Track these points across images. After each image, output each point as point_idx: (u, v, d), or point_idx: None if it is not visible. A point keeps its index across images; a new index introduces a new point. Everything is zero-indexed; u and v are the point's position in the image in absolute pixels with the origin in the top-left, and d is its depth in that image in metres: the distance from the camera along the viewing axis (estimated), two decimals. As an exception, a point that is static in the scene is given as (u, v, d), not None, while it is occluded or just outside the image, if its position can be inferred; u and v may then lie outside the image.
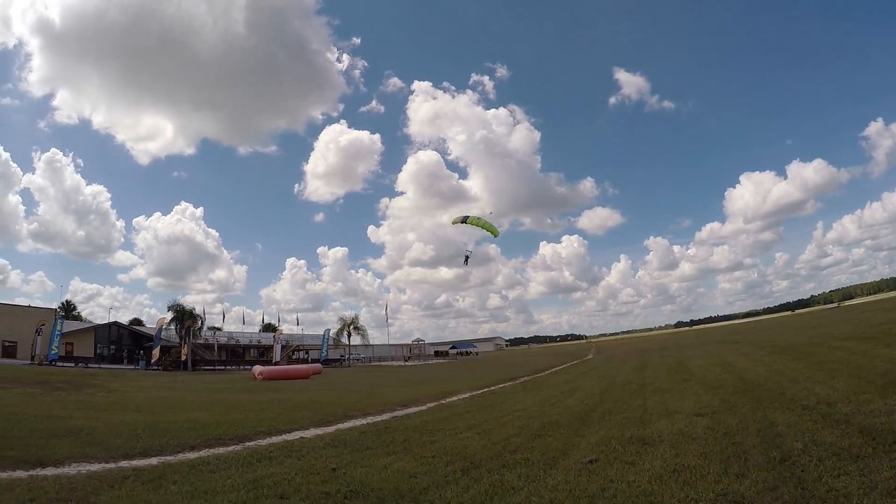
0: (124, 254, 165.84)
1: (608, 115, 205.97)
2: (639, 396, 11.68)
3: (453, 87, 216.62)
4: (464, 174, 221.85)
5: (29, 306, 53.94)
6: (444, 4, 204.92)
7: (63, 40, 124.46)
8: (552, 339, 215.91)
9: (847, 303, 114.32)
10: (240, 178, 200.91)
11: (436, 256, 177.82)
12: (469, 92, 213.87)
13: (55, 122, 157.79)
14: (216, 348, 60.13)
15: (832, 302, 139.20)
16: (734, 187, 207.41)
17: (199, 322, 53.72)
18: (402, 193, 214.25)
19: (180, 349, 48.72)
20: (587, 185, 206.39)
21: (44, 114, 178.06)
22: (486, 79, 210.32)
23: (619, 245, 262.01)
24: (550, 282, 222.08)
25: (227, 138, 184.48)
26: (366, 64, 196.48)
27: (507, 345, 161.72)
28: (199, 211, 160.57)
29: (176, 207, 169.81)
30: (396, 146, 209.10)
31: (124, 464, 6.60)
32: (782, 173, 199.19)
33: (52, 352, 41.11)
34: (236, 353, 64.45)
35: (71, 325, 52.18)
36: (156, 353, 46.70)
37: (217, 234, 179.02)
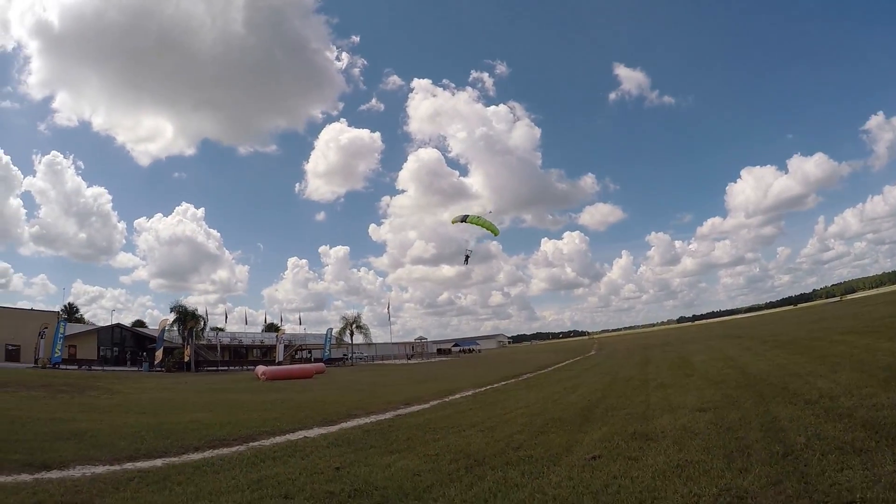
0: (126, 255, 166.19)
1: (608, 110, 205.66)
2: (641, 392, 11.69)
3: (453, 85, 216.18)
4: (464, 171, 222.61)
5: (31, 309, 54.09)
6: (444, 1, 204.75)
7: (62, 42, 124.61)
8: (554, 335, 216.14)
9: (849, 297, 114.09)
10: (240, 178, 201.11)
11: (437, 254, 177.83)
12: (469, 89, 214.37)
13: (55, 124, 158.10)
14: (219, 349, 60.18)
15: (834, 296, 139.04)
16: (735, 182, 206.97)
17: (202, 323, 53.74)
18: (402, 191, 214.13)
19: (183, 350, 48.79)
20: (588, 181, 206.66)
21: (44, 116, 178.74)
22: (485, 76, 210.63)
23: (621, 241, 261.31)
24: (552, 278, 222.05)
25: (228, 138, 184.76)
26: (365, 62, 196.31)
27: (509, 342, 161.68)
28: (201, 211, 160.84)
29: (177, 208, 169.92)
30: (397, 144, 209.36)
31: (129, 466, 6.62)
32: (783, 167, 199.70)
33: (56, 355, 41.18)
34: (239, 354, 64.53)
35: (74, 328, 52.27)
36: (159, 354, 46.76)
37: (218, 234, 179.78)
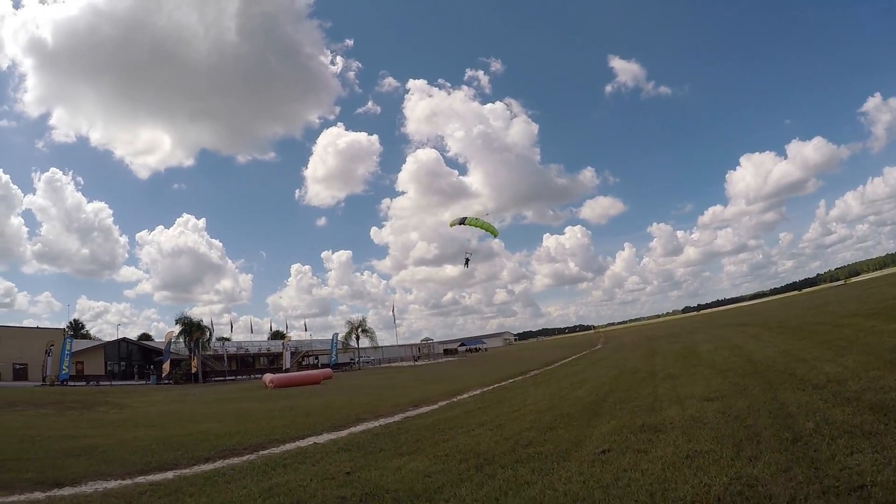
0: (129, 269, 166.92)
1: (605, 103, 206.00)
2: (649, 384, 11.67)
3: (448, 84, 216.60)
4: (463, 170, 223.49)
5: (37, 327, 54.34)
6: (436, 1, 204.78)
7: (56, 59, 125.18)
8: (560, 331, 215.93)
9: (853, 279, 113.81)
10: (240, 186, 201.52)
11: (440, 254, 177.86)
12: (464, 87, 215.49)
13: (53, 141, 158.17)
14: (226, 359, 60.35)
15: (838, 279, 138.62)
16: (734, 169, 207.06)
17: (208, 333, 54.00)
18: (402, 193, 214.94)
19: (190, 362, 48.93)
20: (587, 174, 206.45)
21: (41, 133, 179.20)
22: (480, 73, 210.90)
23: (623, 233, 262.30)
24: (556, 274, 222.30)
25: (226, 147, 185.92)
26: (360, 65, 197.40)
27: (515, 339, 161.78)
28: (202, 222, 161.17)
29: (178, 220, 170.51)
30: (395, 146, 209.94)
31: (140, 479, 6.64)
32: (782, 153, 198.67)
33: (63, 372, 41.33)
34: (246, 363, 64.68)
35: (80, 344, 52.42)
36: (166, 366, 46.89)
37: (220, 244, 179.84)
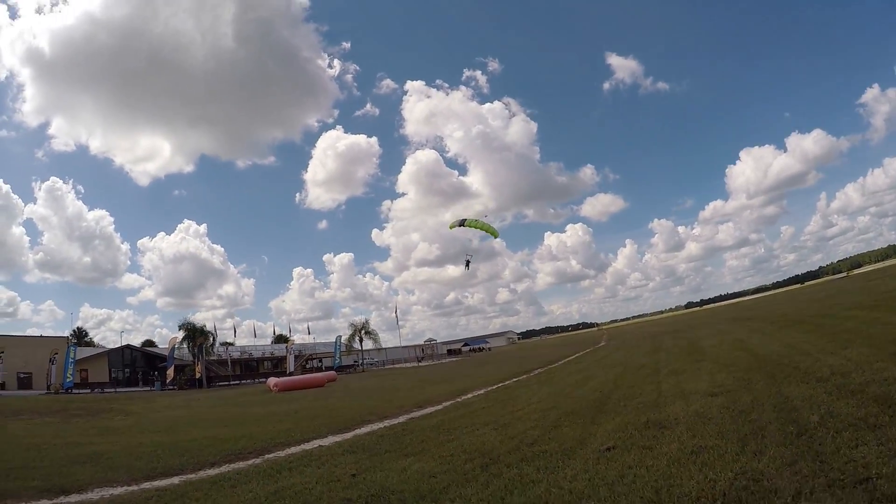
0: (131, 276, 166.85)
1: (603, 100, 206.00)
2: (653, 380, 11.67)
3: (446, 85, 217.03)
4: (463, 170, 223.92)
5: (41, 336, 54.38)
6: (432, 2, 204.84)
7: (54, 68, 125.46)
8: (563, 328, 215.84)
9: (856, 271, 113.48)
10: (240, 191, 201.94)
11: (441, 255, 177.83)
12: (462, 88, 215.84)
13: (52, 150, 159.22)
14: (230, 363, 60.42)
15: (841, 272, 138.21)
16: (734, 164, 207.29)
17: (211, 338, 53.94)
18: (403, 194, 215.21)
19: (194, 367, 48.94)
20: (587, 172, 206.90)
21: (41, 143, 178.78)
22: (478, 73, 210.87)
23: (624, 230, 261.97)
24: (558, 272, 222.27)
25: (225, 153, 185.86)
26: (357, 68, 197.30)
27: (519, 338, 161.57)
28: (203, 227, 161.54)
29: (179, 226, 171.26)
30: (394, 148, 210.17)
31: (146, 485, 6.66)
32: (782, 146, 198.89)
33: (68, 379, 41.37)
34: (250, 367, 64.69)
35: (84, 352, 52.48)
36: (170, 372, 46.94)
37: (222, 249, 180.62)
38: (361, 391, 24.98)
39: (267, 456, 8.27)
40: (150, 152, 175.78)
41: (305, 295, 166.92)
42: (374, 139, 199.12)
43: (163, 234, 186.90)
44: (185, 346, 51.09)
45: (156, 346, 68.29)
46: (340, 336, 65.30)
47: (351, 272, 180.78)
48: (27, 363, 45.74)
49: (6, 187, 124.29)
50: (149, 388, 46.54)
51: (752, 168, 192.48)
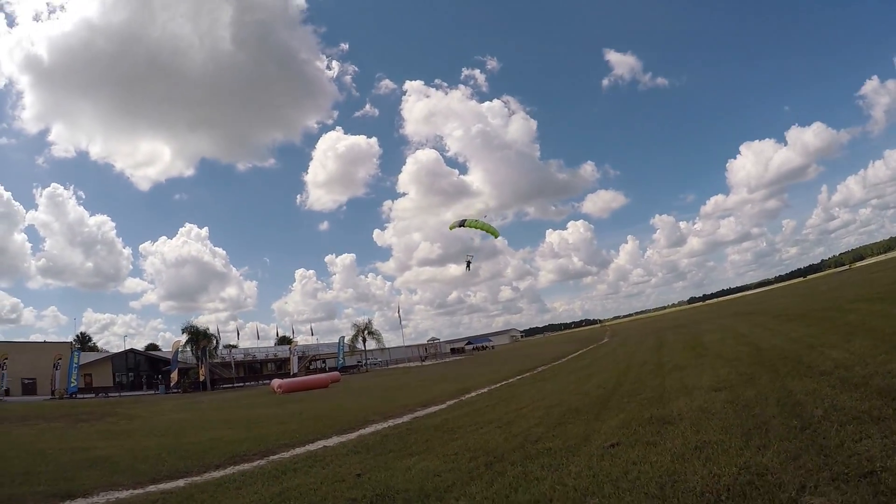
0: (134, 280, 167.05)
1: (602, 96, 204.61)
2: (656, 376, 11.67)
3: (445, 84, 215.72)
4: (464, 169, 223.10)
5: (44, 342, 54.52)
6: (430, 2, 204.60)
7: (53, 75, 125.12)
8: (566, 326, 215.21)
9: (858, 264, 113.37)
10: (241, 194, 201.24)
11: (443, 254, 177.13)
12: (461, 87, 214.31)
13: (53, 156, 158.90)
14: (233, 366, 60.57)
15: (843, 264, 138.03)
16: (735, 158, 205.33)
17: (215, 341, 54.01)
18: (404, 194, 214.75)
19: (198, 370, 49.07)
20: (588, 168, 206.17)
21: (41, 150, 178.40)
22: (477, 72, 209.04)
23: (626, 226, 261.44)
24: (560, 269, 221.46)
25: (225, 156, 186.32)
26: (356, 69, 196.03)
27: (522, 336, 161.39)
28: (204, 231, 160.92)
29: (181, 230, 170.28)
30: (394, 148, 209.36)
31: (151, 488, 6.69)
32: (782, 140, 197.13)
33: (72, 384, 41.55)
34: (254, 369, 64.83)
35: (88, 357, 52.73)
36: (174, 376, 47.07)
37: (224, 252, 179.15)
38: (365, 391, 25.01)
39: (271, 457, 8.29)
40: (151, 157, 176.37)
41: (308, 296, 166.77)
42: (373, 139, 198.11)
43: (164, 238, 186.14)
44: (188, 349, 51.16)
45: (159, 350, 68.50)
46: (343, 337, 65.56)
47: (353, 273, 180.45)
48: (31, 369, 45.89)
49: (7, 194, 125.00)
50: (153, 392, 46.71)
51: (753, 162, 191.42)
